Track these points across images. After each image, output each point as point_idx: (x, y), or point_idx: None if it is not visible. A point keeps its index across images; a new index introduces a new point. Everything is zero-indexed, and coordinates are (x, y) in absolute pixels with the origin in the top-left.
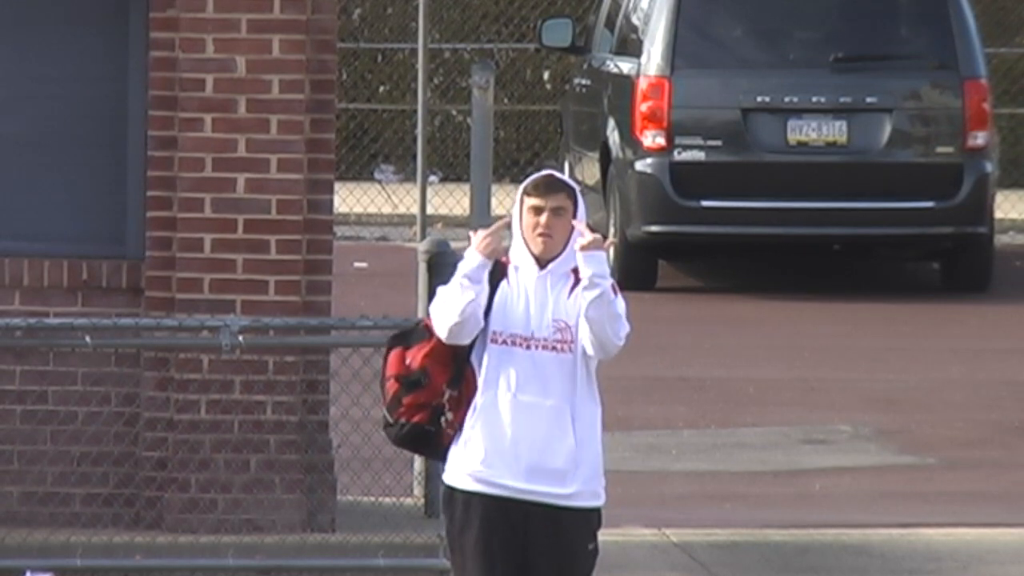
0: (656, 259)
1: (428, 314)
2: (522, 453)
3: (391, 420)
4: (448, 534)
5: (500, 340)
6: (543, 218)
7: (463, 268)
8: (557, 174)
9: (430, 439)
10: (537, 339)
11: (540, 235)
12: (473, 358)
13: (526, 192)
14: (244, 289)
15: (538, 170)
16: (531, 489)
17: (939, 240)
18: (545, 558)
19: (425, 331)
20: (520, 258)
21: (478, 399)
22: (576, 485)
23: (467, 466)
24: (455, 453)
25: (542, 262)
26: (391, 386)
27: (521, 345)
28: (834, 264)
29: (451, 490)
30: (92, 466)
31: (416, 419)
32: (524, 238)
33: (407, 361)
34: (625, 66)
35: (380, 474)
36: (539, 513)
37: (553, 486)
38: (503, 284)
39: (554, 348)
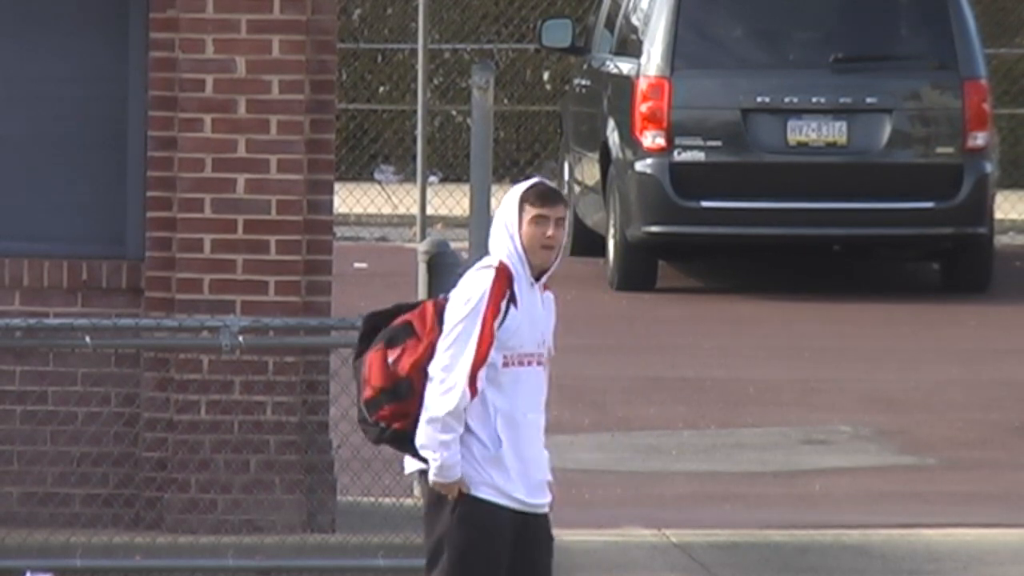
0: (656, 259)
1: (409, 308)
2: (531, 470)
3: (369, 419)
4: (460, 542)
5: (513, 362)
6: (550, 229)
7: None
8: (548, 183)
9: (412, 441)
10: (535, 355)
11: (547, 247)
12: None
13: (529, 202)
14: (244, 289)
15: (538, 171)
16: (534, 502)
17: (939, 240)
18: (541, 560)
19: (410, 330)
20: (515, 269)
21: (497, 419)
22: (550, 492)
23: (496, 482)
24: (479, 467)
25: (537, 272)
26: (370, 392)
27: (525, 363)
28: (834, 264)
29: (476, 500)
30: (92, 467)
31: (397, 425)
32: (524, 248)
33: (390, 364)
34: (625, 66)
35: (380, 475)
36: (535, 522)
37: (544, 497)
38: (512, 310)
39: (539, 363)
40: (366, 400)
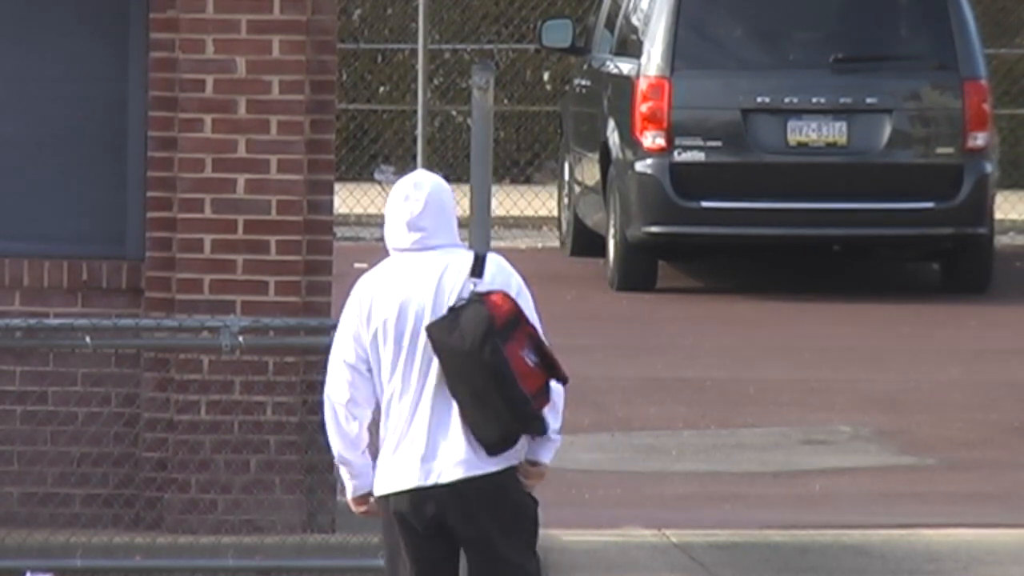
0: (656, 260)
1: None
2: None
3: (533, 410)
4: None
5: None
6: None
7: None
8: None
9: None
10: None
11: None
12: None
13: None
14: (244, 290)
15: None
16: None
17: (939, 241)
18: None
19: (517, 320)
20: None
21: None
22: None
23: None
24: None
25: None
26: (538, 382)
27: None
28: (834, 264)
29: None
30: (92, 467)
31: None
32: None
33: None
34: (625, 67)
35: None
36: None
37: None
38: None
39: None
40: (535, 392)
